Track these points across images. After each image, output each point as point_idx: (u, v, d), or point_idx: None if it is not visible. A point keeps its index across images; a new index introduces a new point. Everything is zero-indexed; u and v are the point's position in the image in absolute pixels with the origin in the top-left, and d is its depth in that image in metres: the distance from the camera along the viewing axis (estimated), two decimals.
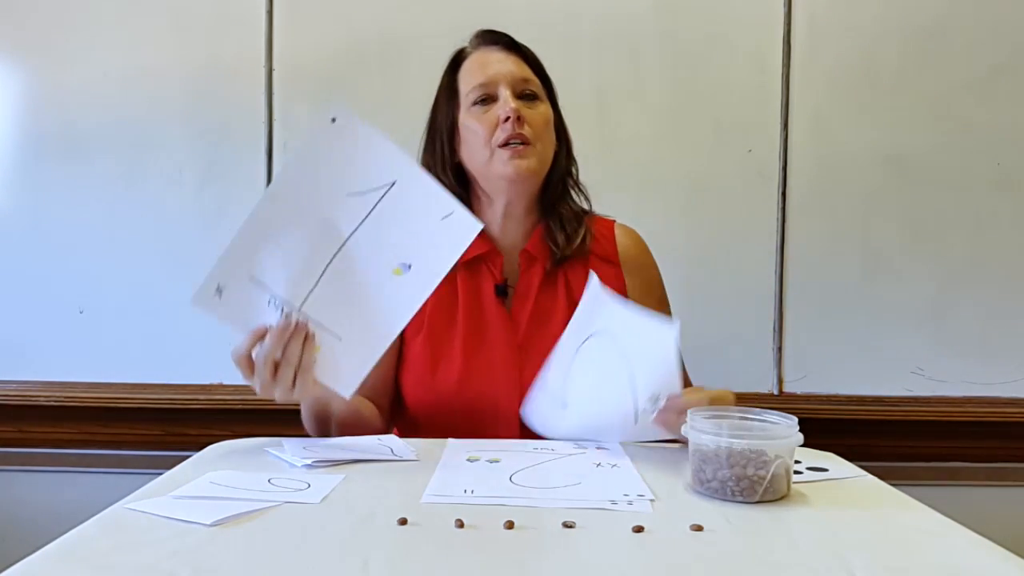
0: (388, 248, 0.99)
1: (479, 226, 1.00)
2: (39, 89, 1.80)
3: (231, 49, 1.79)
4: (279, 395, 1.00)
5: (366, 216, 0.98)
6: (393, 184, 0.98)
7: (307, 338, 0.99)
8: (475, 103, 1.23)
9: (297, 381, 0.99)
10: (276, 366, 0.99)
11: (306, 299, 0.99)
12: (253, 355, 1.00)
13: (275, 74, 1.79)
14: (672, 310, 1.34)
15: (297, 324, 0.98)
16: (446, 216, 0.99)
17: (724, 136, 1.79)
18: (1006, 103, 1.78)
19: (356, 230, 0.98)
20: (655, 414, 1.00)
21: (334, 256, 0.99)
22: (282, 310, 0.99)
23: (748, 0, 1.78)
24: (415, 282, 1.00)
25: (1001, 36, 1.78)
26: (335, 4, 1.79)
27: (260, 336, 0.99)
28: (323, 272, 0.99)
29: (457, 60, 1.28)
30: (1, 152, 1.81)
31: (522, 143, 1.19)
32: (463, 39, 1.30)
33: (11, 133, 1.81)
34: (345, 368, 1.02)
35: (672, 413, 0.99)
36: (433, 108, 1.30)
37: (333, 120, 0.95)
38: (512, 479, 0.91)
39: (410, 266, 0.99)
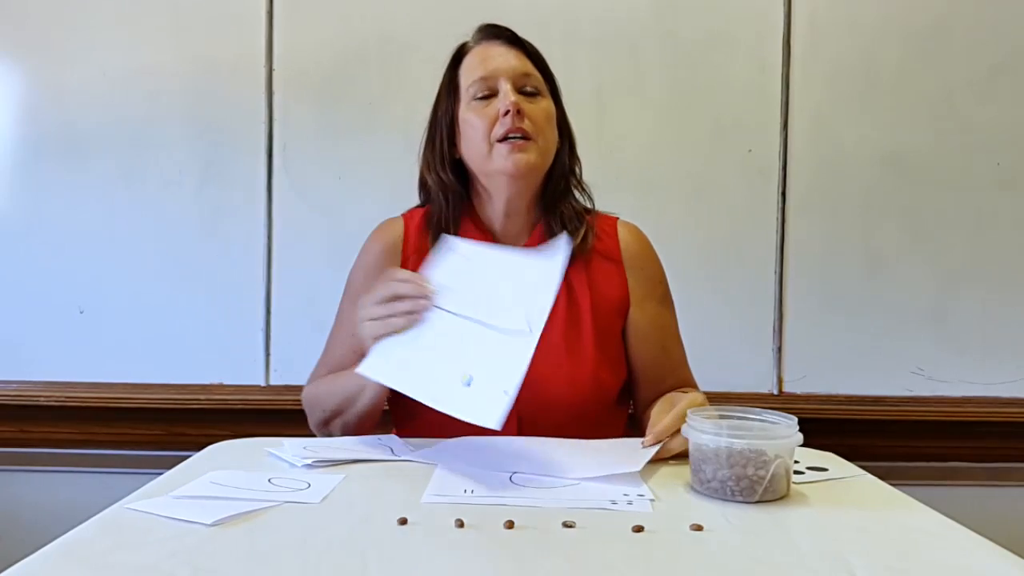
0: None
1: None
2: (39, 89, 1.80)
3: (231, 49, 1.79)
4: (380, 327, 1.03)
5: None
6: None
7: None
8: (475, 98, 1.20)
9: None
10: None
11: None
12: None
13: (275, 74, 1.79)
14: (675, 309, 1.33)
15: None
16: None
17: (724, 136, 1.79)
18: (1006, 103, 1.78)
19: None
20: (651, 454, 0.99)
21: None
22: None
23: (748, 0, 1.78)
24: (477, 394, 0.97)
25: (1001, 36, 1.78)
26: (335, 4, 1.78)
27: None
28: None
29: (459, 55, 1.26)
30: (1, 152, 1.81)
31: (522, 137, 1.17)
32: (464, 37, 1.28)
33: (11, 133, 1.81)
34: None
35: (663, 435, 1.00)
36: (435, 103, 1.29)
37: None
38: (512, 479, 0.91)
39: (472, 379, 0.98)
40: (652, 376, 1.27)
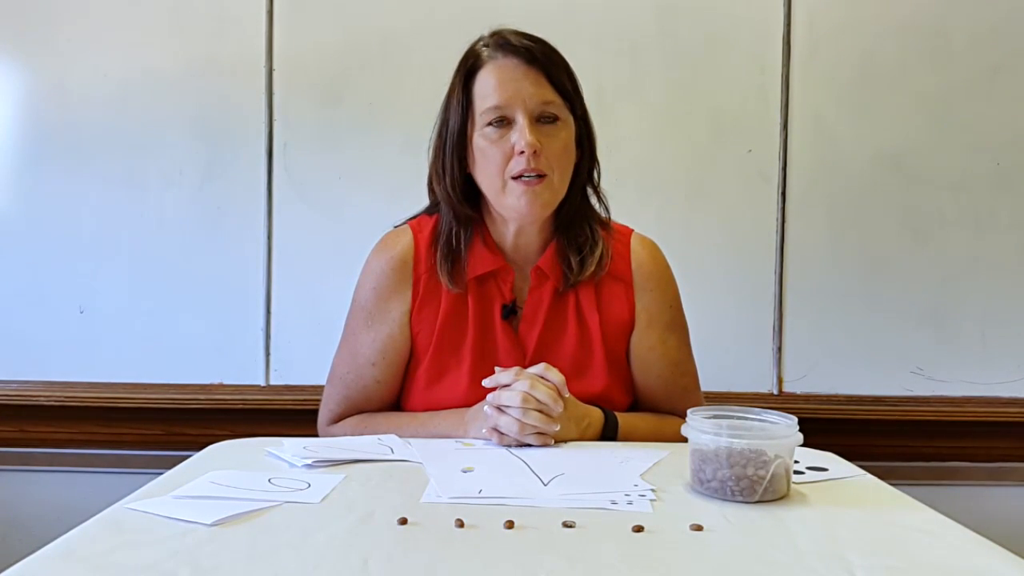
0: None
1: None
2: (40, 89, 1.80)
3: (231, 49, 1.79)
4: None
5: None
6: None
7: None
8: (490, 124, 1.15)
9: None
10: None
11: None
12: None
13: (275, 74, 1.79)
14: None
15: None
16: None
17: (724, 136, 1.79)
18: (1006, 103, 1.78)
19: None
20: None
21: None
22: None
23: (748, 0, 1.78)
24: None
25: (1001, 36, 1.78)
26: (335, 4, 1.78)
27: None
28: None
29: (472, 67, 1.19)
30: (1, 152, 1.81)
31: (536, 175, 1.14)
32: (467, 36, 1.23)
33: (11, 133, 1.80)
34: None
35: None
36: (444, 111, 1.22)
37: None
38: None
39: None
40: (648, 401, 1.26)
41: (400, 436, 1.12)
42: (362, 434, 1.18)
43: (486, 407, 1.06)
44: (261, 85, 1.78)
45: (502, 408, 1.04)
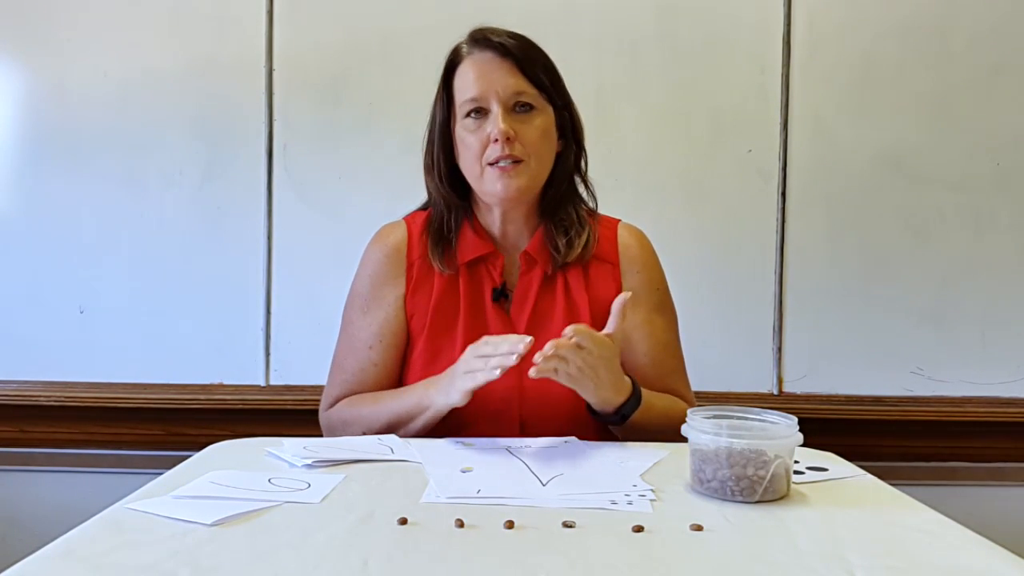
0: None
1: None
2: (40, 89, 1.80)
3: (231, 49, 1.79)
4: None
5: None
6: None
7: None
8: (467, 115, 1.21)
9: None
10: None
11: None
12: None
13: (275, 74, 1.79)
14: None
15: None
16: None
17: (724, 136, 1.79)
18: (1006, 103, 1.78)
19: None
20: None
21: None
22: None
23: (748, 0, 1.78)
24: None
25: (1001, 36, 1.78)
26: (335, 4, 1.78)
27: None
28: None
29: (452, 63, 1.25)
30: (1, 152, 1.80)
31: (512, 162, 1.18)
32: (461, 36, 1.27)
33: (11, 133, 1.80)
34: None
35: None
36: (433, 108, 1.29)
37: None
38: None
39: None
40: (638, 380, 1.26)
41: (383, 409, 1.17)
42: (352, 412, 1.22)
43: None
44: (261, 85, 1.78)
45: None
